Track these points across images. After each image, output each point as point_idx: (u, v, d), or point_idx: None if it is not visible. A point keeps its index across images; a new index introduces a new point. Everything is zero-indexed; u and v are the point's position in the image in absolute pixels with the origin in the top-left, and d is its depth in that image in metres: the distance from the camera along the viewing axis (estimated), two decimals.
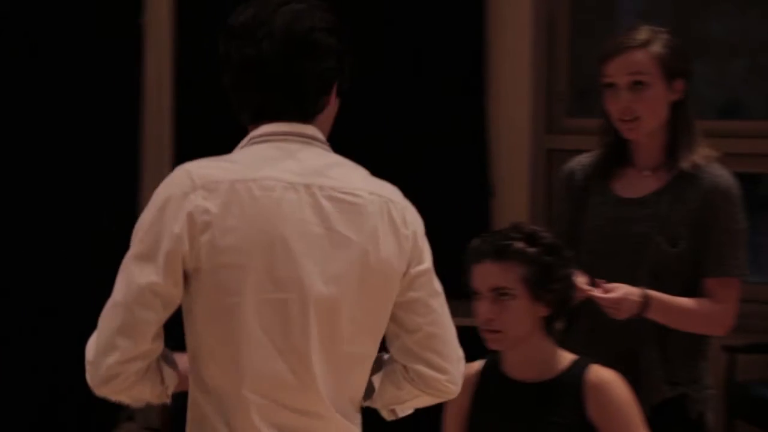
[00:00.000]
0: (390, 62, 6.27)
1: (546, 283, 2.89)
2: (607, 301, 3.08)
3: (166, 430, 6.15)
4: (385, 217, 2.30)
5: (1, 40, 6.16)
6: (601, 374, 2.92)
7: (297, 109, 2.33)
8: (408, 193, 6.55)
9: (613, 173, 3.35)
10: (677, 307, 3.18)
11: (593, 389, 2.88)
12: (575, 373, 2.92)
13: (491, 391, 2.98)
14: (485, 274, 2.91)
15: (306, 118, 2.34)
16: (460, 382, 2.31)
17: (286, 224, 2.23)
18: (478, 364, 3.06)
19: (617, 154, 3.35)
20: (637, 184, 3.33)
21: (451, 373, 2.31)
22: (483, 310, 2.90)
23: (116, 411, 6.67)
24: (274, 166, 2.27)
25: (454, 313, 5.57)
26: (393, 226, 2.30)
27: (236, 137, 2.41)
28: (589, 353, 2.98)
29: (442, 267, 6.47)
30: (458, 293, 6.30)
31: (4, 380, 6.08)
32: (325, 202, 2.26)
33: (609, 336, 3.17)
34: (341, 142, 2.44)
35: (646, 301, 3.15)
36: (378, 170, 5.70)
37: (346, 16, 2.41)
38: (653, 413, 3.07)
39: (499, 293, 2.88)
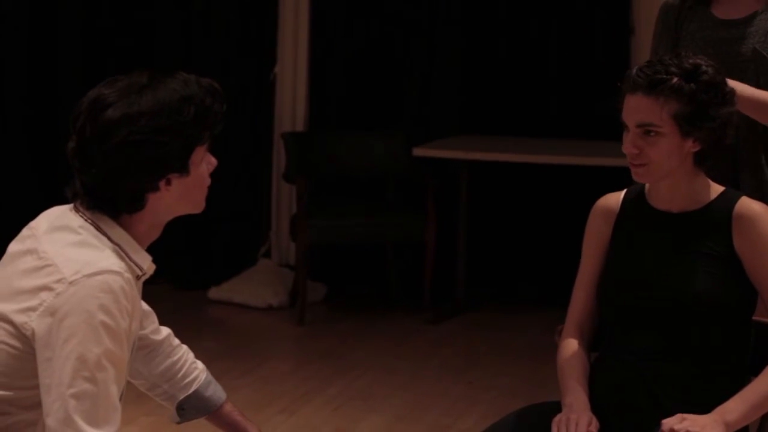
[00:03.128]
0: None
1: (699, 121, 2.71)
2: None
3: (301, 268, 6.27)
4: None
5: None
6: (751, 206, 2.78)
7: None
8: (550, 29, 6.51)
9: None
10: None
11: (741, 220, 2.75)
12: (724, 204, 2.79)
13: (635, 221, 2.86)
14: (635, 108, 2.73)
15: None
16: None
17: None
18: (618, 194, 2.93)
19: None
20: (737, 6, 3.19)
21: None
22: (628, 144, 2.74)
23: (256, 249, 6.81)
24: None
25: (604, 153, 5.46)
26: None
27: None
28: None
29: (582, 105, 6.50)
30: (604, 133, 6.35)
31: None
32: None
33: None
34: None
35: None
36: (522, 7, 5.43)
37: None
38: None
39: (646, 129, 2.72)
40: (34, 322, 2.28)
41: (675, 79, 2.74)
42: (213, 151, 2.46)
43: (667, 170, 2.78)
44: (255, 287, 6.48)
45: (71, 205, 2.42)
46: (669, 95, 2.73)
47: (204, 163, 2.42)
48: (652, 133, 2.75)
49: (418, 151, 6.19)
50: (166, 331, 2.73)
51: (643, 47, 6.22)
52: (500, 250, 6.61)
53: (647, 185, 2.90)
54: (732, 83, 2.87)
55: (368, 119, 6.67)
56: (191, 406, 2.71)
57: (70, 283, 2.28)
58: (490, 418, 4.74)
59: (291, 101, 6.69)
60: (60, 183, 2.53)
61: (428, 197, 6.22)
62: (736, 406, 2.70)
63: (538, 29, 6.49)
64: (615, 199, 2.96)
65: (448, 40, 6.55)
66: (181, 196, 2.40)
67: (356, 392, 5.13)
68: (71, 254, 2.32)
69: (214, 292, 6.54)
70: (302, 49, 6.65)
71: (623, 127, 2.81)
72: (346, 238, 6.30)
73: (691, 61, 2.77)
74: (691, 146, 2.77)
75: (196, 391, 2.71)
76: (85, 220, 2.37)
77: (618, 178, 6.34)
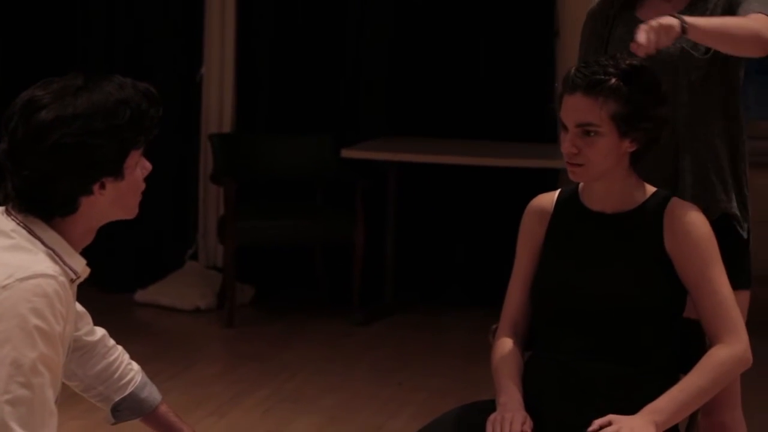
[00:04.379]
0: None
1: (636, 121, 2.75)
2: (641, 37, 2.84)
3: (229, 270, 6.23)
4: None
5: None
6: (681, 207, 2.82)
7: None
8: (476, 32, 6.54)
9: (637, 3, 3.23)
10: (719, 22, 3.00)
11: (671, 221, 2.79)
12: (655, 204, 2.82)
13: (569, 221, 2.88)
14: (574, 108, 2.76)
15: None
16: None
17: None
18: (551, 194, 2.96)
19: None
20: (659, 9, 3.17)
21: None
22: (567, 144, 2.76)
23: (183, 251, 6.76)
24: None
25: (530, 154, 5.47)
26: None
27: None
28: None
29: (508, 107, 6.54)
30: (530, 135, 6.38)
31: None
32: None
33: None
34: None
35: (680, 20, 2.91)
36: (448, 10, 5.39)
37: None
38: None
39: (586, 129, 2.75)
40: None
41: (613, 80, 2.77)
42: None
43: (604, 170, 2.81)
44: (182, 289, 6.44)
45: (2, 209, 2.38)
46: (608, 96, 2.76)
47: (139, 168, 2.40)
48: (592, 133, 2.78)
49: (347, 153, 6.19)
50: (101, 332, 2.71)
51: (567, 49, 6.28)
52: (428, 252, 6.63)
53: (581, 186, 2.93)
54: (688, 19, 2.89)
55: (296, 121, 6.66)
56: (126, 408, 2.69)
57: (3, 287, 2.24)
58: (420, 419, 4.75)
59: (218, 102, 6.66)
60: None
61: (357, 199, 6.22)
62: (665, 406, 2.73)
63: (464, 32, 6.52)
64: (548, 199, 2.98)
65: (376, 42, 6.56)
66: (115, 200, 2.38)
67: (287, 394, 5.12)
68: (4, 258, 2.29)
69: (140, 295, 6.48)
70: (229, 50, 6.63)
71: (561, 127, 2.82)
72: (274, 240, 6.28)
73: (627, 62, 2.80)
74: (627, 146, 2.81)
75: (131, 393, 2.69)
76: (18, 224, 2.34)
77: (544, 179, 6.41)
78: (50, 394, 2.27)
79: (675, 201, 2.86)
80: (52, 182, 2.31)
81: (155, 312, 6.35)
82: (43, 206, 2.34)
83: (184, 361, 5.50)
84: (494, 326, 3.02)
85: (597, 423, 2.69)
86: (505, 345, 2.94)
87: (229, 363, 5.67)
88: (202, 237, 6.73)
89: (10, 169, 2.34)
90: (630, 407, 2.73)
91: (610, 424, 2.68)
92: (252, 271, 6.58)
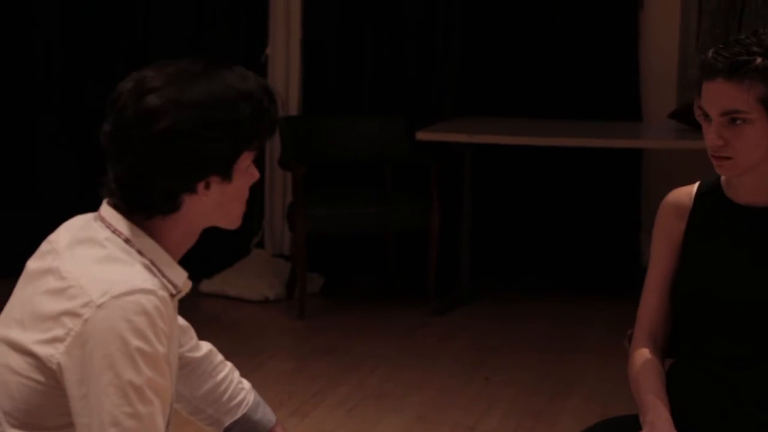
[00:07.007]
0: None
1: None
2: None
3: (299, 259, 6.00)
4: None
5: None
6: None
7: None
8: (553, 4, 6.26)
9: None
10: None
11: None
12: None
13: (713, 216, 2.61)
14: (716, 95, 2.47)
15: None
16: None
17: None
18: (689, 188, 2.67)
19: None
20: None
21: None
22: (711, 135, 2.47)
23: (248, 239, 6.56)
24: None
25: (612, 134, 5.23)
26: None
27: None
28: None
29: (589, 85, 6.27)
30: (612, 113, 6.11)
31: None
32: None
33: None
34: None
35: None
36: None
37: None
38: None
39: (732, 117, 2.47)
40: (62, 357, 2.01)
41: (759, 60, 2.49)
42: None
43: (755, 161, 2.54)
44: (249, 279, 6.23)
45: (95, 214, 2.15)
46: (755, 77, 2.48)
47: (248, 173, 2.17)
48: (739, 121, 2.50)
49: (422, 135, 5.93)
50: (206, 347, 2.48)
51: (652, 22, 6.02)
52: (505, 237, 6.38)
53: (723, 177, 2.67)
54: None
55: (364, 102, 6.41)
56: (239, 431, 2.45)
57: (99, 306, 2.00)
58: (513, 417, 4.54)
59: (284, 83, 6.43)
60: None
61: (432, 183, 5.97)
62: None
63: (541, 5, 6.25)
64: (686, 193, 2.72)
65: (448, 18, 6.30)
66: (219, 205, 2.14)
67: (369, 391, 4.89)
68: (97, 273, 2.04)
69: (206, 285, 6.27)
70: (295, 29, 6.39)
71: (702, 116, 2.56)
72: (346, 227, 6.04)
73: None
74: None
75: (244, 415, 2.46)
76: (112, 232, 2.10)
77: (628, 160, 6.14)
78: (161, 423, 2.03)
79: None
80: (156, 172, 2.08)
81: (222, 303, 6.14)
82: (144, 200, 2.10)
83: (259, 356, 5.28)
84: (630, 331, 2.77)
85: None
86: (644, 354, 2.67)
87: (304, 357, 5.44)
88: (268, 224, 6.51)
89: (113, 153, 2.10)
90: None
91: None
92: (320, 259, 6.36)
